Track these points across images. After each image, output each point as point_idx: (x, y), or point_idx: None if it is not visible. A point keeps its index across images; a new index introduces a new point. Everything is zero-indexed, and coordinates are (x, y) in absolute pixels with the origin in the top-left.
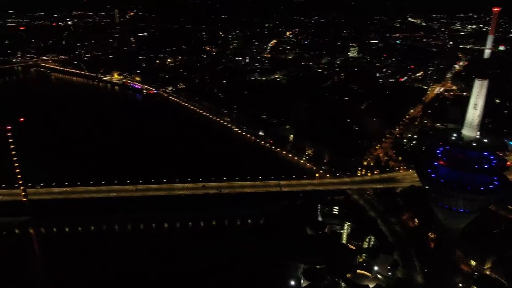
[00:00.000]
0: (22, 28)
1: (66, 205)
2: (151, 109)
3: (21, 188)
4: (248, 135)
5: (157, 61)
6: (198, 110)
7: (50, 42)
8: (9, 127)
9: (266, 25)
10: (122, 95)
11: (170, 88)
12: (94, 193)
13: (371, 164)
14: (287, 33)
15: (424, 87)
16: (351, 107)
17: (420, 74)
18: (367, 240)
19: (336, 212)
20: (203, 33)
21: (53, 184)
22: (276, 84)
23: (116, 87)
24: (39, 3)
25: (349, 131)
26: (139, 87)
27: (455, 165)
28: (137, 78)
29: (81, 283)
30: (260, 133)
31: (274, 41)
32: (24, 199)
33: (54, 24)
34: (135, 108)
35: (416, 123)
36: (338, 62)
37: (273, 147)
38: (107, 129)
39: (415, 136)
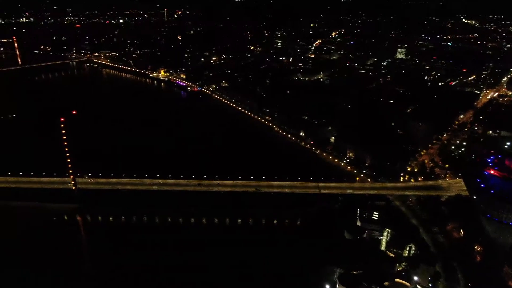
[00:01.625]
0: (77, 26)
1: (111, 195)
2: (194, 106)
3: (71, 177)
4: (289, 135)
5: (202, 59)
6: (240, 108)
7: (103, 39)
8: (62, 119)
9: (312, 25)
10: (168, 91)
11: (213, 86)
12: (138, 185)
13: (415, 170)
14: (333, 33)
15: (476, 91)
16: (396, 111)
17: (472, 78)
18: (408, 248)
19: (376, 218)
20: (248, 32)
21: (100, 174)
22: (319, 84)
23: (162, 84)
24: (95, 2)
25: (394, 135)
26: (184, 84)
27: (508, 175)
28: (182, 76)
29: (121, 270)
30: (301, 133)
31: (319, 41)
32: (74, 188)
33: (107, 22)
34: (179, 105)
35: (466, 129)
36: (384, 63)
37: (314, 148)
38: (152, 124)
39: (464, 143)
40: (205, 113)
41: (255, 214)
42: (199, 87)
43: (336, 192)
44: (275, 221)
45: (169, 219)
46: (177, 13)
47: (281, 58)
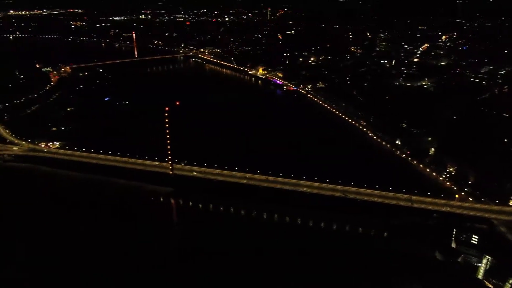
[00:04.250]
0: (187, 23)
1: (203, 183)
2: (289, 105)
3: (169, 163)
4: (384, 142)
5: (300, 59)
6: (334, 110)
7: (208, 36)
8: (167, 108)
9: (420, 27)
10: (264, 89)
11: (309, 86)
12: (228, 177)
13: None
14: (443, 37)
15: None
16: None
17: None
18: (511, 282)
19: (475, 242)
20: (350, 33)
21: (194, 163)
22: (422, 91)
23: (259, 81)
24: (204, 1)
25: (505, 153)
26: (280, 82)
27: None
28: (279, 74)
29: (202, 253)
30: (397, 141)
31: (426, 45)
32: (171, 173)
33: (214, 20)
34: (274, 102)
35: None
36: (502, 72)
37: (410, 158)
38: (246, 118)
39: None
40: (298, 113)
41: (339, 218)
42: (295, 87)
43: (431, 208)
44: (360, 229)
45: (253, 213)
46: (279, 13)
47: (382, 62)
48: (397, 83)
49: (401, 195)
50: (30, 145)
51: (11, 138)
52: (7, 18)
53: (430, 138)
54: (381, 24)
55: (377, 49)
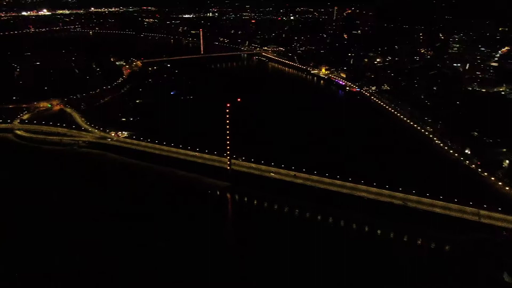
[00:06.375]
0: (253, 21)
1: (259, 180)
2: (350, 106)
3: (228, 158)
4: (451, 151)
5: (365, 60)
6: (398, 114)
7: (273, 34)
8: (228, 105)
9: (500, 28)
10: (326, 89)
11: (373, 88)
12: (283, 175)
13: None
14: None
15: None
16: None
17: None
18: None
19: None
20: (421, 34)
21: (252, 160)
22: (499, 98)
23: (322, 81)
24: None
25: None
26: (343, 83)
27: None
28: (343, 75)
29: (254, 252)
30: (467, 151)
31: (507, 48)
32: (228, 168)
33: (279, 18)
34: (336, 103)
35: None
36: None
37: (480, 169)
38: (307, 119)
39: None
40: (361, 115)
41: (396, 227)
42: (358, 88)
43: (500, 224)
44: (419, 240)
45: (307, 214)
46: (346, 12)
47: (455, 65)
48: (470, 88)
49: (468, 208)
50: (102, 133)
51: (86, 126)
52: (89, 15)
53: (504, 150)
54: (456, 25)
55: (450, 51)
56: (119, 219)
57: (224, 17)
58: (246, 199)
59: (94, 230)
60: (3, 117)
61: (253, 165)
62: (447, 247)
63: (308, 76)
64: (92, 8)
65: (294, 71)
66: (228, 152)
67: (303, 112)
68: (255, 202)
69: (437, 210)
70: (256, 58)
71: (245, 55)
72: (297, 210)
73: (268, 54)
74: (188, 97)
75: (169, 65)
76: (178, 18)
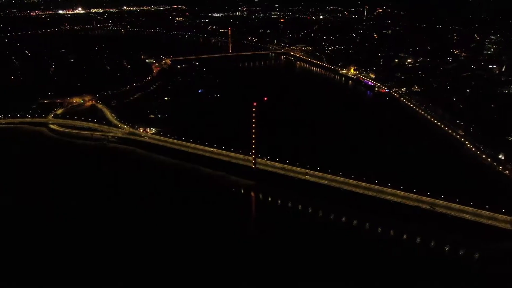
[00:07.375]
0: (282, 20)
1: (284, 180)
2: (380, 108)
3: (253, 157)
4: (484, 156)
5: (396, 60)
6: (428, 116)
7: (301, 33)
8: (255, 104)
9: None
10: (354, 89)
11: (403, 89)
12: (311, 177)
13: None
14: None
15: None
16: None
17: None
18: None
19: None
20: (455, 34)
21: (277, 159)
22: None
23: (350, 82)
24: None
25: None
26: (372, 84)
27: None
28: (372, 75)
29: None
30: (500, 156)
31: None
32: (253, 167)
33: (308, 17)
34: (364, 104)
35: None
36: None
37: None
38: (333, 119)
39: None
40: (391, 116)
41: (423, 231)
42: (387, 89)
43: None
44: (447, 247)
45: (331, 216)
46: (377, 11)
47: (490, 66)
48: (506, 91)
49: (500, 216)
50: (131, 129)
51: (116, 122)
52: (121, 13)
53: None
54: (492, 25)
55: (486, 52)
56: (141, 215)
57: (253, 16)
58: (270, 198)
59: (124, 224)
60: (39, 111)
61: (278, 164)
62: (476, 255)
63: (336, 76)
64: (125, 7)
65: (322, 71)
66: (254, 151)
67: (329, 112)
68: (279, 202)
69: (467, 216)
70: (284, 57)
71: (273, 54)
72: (321, 211)
73: (296, 53)
74: (215, 95)
75: (197, 63)
76: (207, 16)
